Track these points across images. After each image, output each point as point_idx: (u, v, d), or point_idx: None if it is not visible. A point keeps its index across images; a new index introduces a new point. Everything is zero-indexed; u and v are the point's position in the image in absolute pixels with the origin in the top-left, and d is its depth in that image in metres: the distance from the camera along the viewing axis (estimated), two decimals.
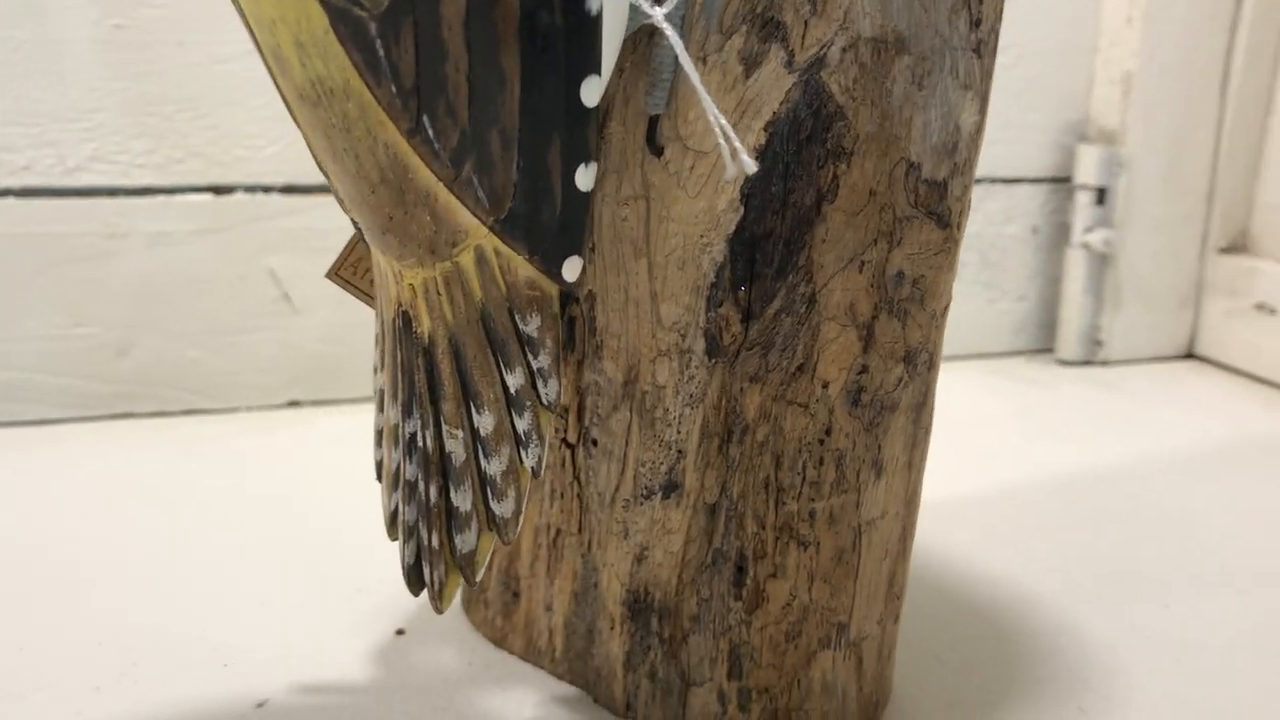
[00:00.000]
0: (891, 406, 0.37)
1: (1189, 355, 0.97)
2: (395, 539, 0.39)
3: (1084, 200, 0.90)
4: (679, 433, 0.37)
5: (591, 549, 0.40)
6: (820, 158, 0.33)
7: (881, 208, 0.35)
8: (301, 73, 0.30)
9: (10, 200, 0.68)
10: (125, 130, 0.70)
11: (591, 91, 0.30)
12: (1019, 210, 0.93)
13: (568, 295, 0.34)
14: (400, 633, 0.48)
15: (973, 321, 0.94)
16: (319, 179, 0.73)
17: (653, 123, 0.34)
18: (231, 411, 0.76)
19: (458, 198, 0.31)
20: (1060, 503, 0.65)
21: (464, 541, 0.35)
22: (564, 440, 0.40)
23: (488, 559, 0.36)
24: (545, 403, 0.34)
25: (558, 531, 0.42)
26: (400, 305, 0.35)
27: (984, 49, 0.35)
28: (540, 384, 0.34)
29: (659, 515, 0.38)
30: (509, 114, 0.29)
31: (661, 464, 0.37)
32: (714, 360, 0.36)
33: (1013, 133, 0.91)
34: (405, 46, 0.28)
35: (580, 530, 0.41)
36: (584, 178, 0.32)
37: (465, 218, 0.32)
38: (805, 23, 0.32)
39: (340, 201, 0.35)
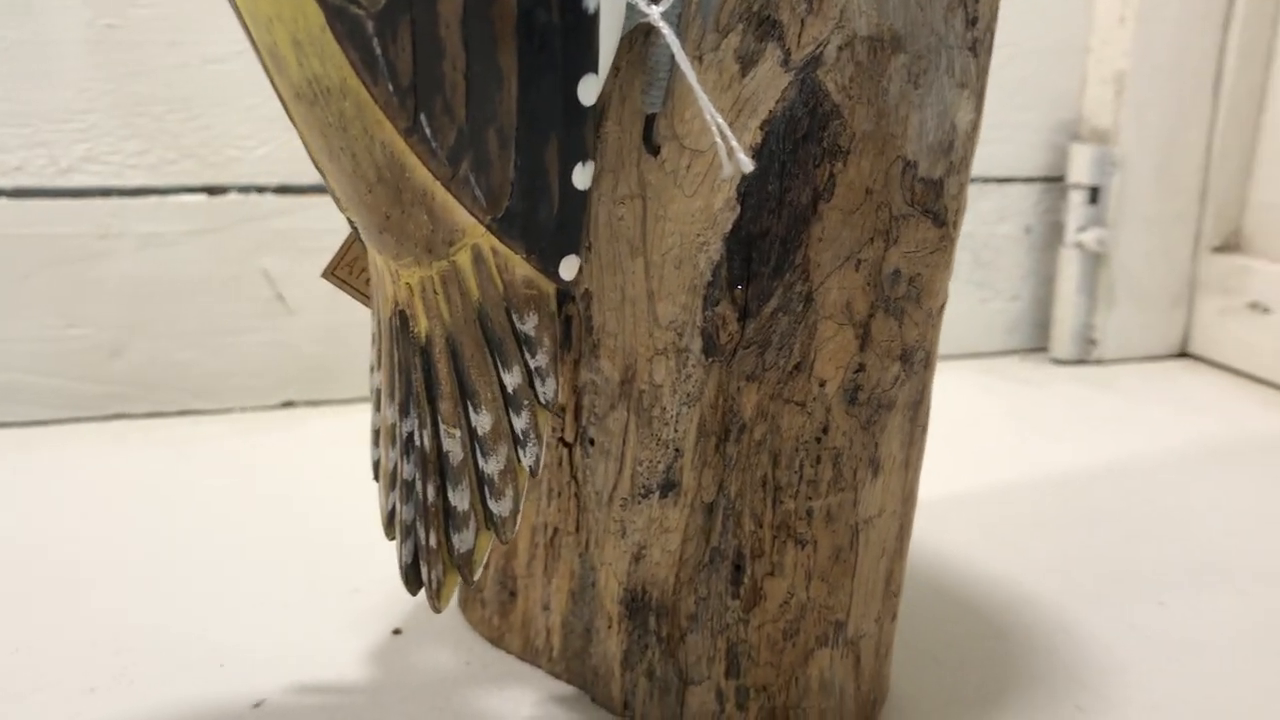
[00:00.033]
0: (888, 405, 0.37)
1: (1182, 354, 0.97)
2: (393, 538, 0.39)
3: (1077, 199, 0.91)
4: (676, 432, 0.37)
5: (589, 548, 0.40)
6: (817, 156, 0.33)
7: (878, 206, 0.35)
8: (298, 71, 0.30)
9: (2, 201, 0.68)
10: (118, 131, 0.70)
11: (589, 90, 0.30)
12: (1012, 209, 0.93)
13: (564, 294, 0.34)
14: (397, 632, 0.48)
15: (966, 321, 0.94)
16: (312, 179, 0.73)
17: (649, 121, 0.34)
18: (225, 412, 0.75)
19: (455, 196, 0.31)
20: (1056, 501, 0.65)
21: (462, 541, 0.35)
22: (561, 439, 0.40)
23: (485, 558, 0.36)
24: (543, 402, 0.34)
25: (555, 531, 0.42)
26: (397, 304, 0.35)
27: (980, 47, 0.35)
28: (538, 383, 0.34)
29: (656, 514, 0.38)
30: (506, 112, 0.29)
31: (659, 463, 0.37)
32: (711, 359, 0.36)
33: (1006, 132, 0.91)
34: (402, 45, 0.28)
35: (578, 529, 0.41)
36: (581, 176, 0.32)
37: (462, 216, 0.32)
38: (801, 21, 0.32)
39: (337, 201, 0.35)
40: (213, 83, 0.71)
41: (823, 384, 0.36)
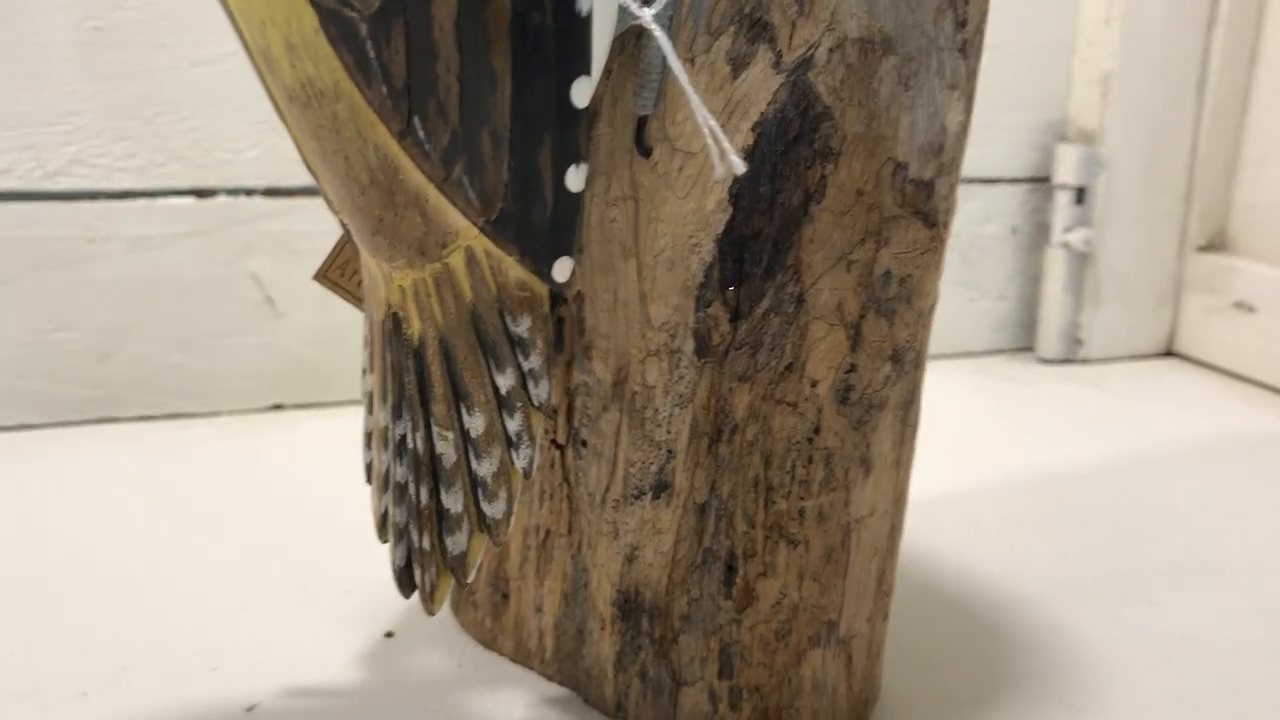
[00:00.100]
0: (880, 405, 0.37)
1: (1168, 353, 0.97)
2: (385, 541, 0.39)
3: (1063, 200, 0.91)
4: (668, 433, 0.37)
5: (581, 550, 0.41)
6: (808, 158, 0.34)
7: (869, 207, 0.35)
8: (291, 74, 0.30)
9: None
10: (106, 133, 0.69)
11: (582, 92, 0.30)
12: (999, 210, 0.94)
13: (557, 296, 0.34)
14: (389, 635, 0.48)
15: (954, 321, 0.94)
16: (301, 182, 0.73)
17: (641, 124, 0.34)
18: (215, 415, 0.75)
19: (448, 199, 0.31)
20: (1044, 500, 0.65)
21: (455, 543, 0.35)
22: (553, 441, 0.40)
23: (479, 560, 0.36)
24: (536, 404, 0.34)
25: (547, 533, 0.42)
26: (390, 307, 0.35)
27: (969, 49, 0.35)
28: (531, 385, 0.34)
29: (649, 515, 0.38)
30: (500, 115, 0.30)
31: (651, 464, 0.37)
32: (703, 360, 0.36)
33: (992, 133, 0.91)
34: (396, 47, 0.28)
35: (570, 531, 0.41)
36: (574, 178, 0.32)
37: (455, 219, 0.32)
38: (793, 23, 0.32)
39: (329, 203, 0.35)
40: (201, 85, 0.70)
41: (814, 384, 0.36)
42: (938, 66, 0.34)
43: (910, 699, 0.44)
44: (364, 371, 0.40)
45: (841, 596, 0.39)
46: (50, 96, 0.68)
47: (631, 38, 0.33)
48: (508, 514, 0.35)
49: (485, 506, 0.35)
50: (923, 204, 0.36)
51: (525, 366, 0.34)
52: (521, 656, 0.45)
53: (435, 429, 0.35)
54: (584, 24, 0.29)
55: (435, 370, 0.34)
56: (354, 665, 0.45)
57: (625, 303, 0.36)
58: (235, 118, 0.71)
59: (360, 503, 0.52)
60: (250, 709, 0.42)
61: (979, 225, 0.93)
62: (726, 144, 0.32)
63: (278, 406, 0.77)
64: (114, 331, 0.72)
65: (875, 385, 0.37)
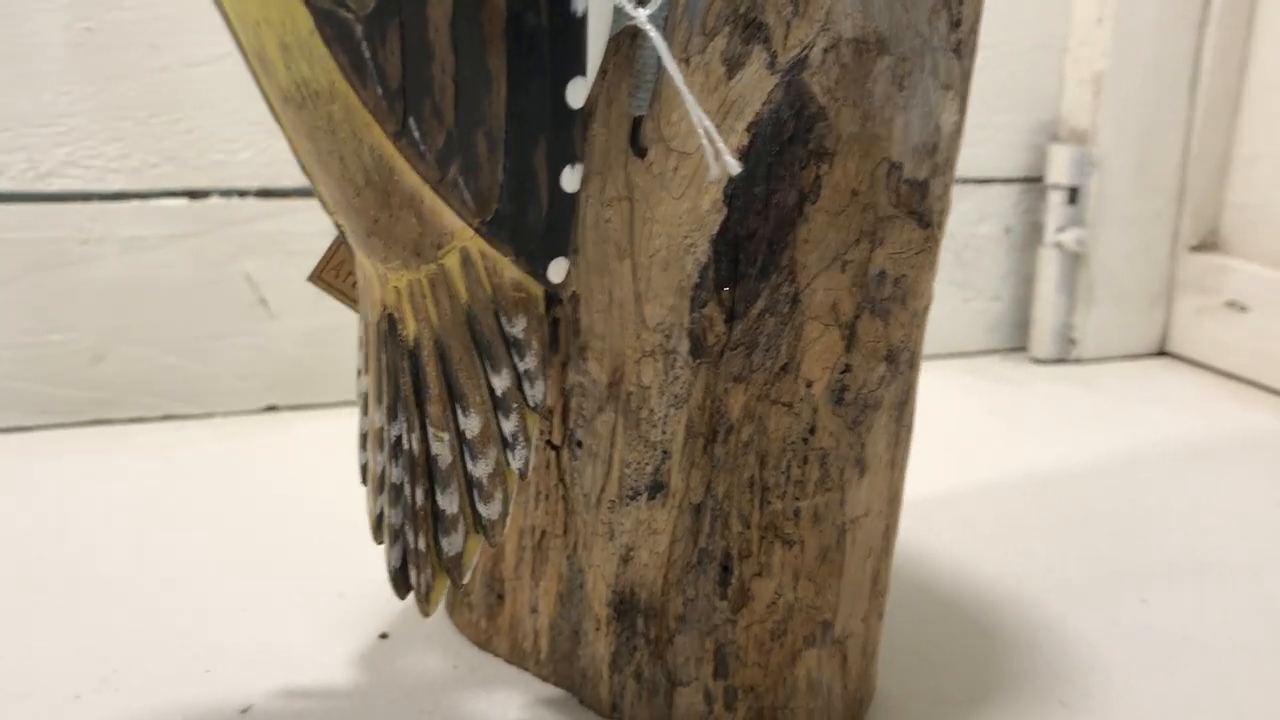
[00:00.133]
0: (874, 405, 0.37)
1: (1161, 353, 0.98)
2: (380, 542, 0.39)
3: (1056, 200, 0.91)
4: (664, 433, 0.37)
5: (577, 550, 0.41)
6: (803, 158, 0.34)
7: (863, 208, 0.35)
8: (286, 75, 0.30)
9: None
10: (98, 134, 0.69)
11: (577, 93, 0.30)
12: (992, 210, 0.94)
13: (552, 297, 0.34)
14: (384, 636, 0.48)
15: (947, 321, 0.94)
16: (295, 183, 0.73)
17: (636, 124, 0.34)
18: (208, 417, 0.75)
19: (444, 200, 0.31)
20: (1038, 500, 0.65)
21: (450, 544, 0.35)
22: (549, 442, 0.40)
23: (475, 561, 0.36)
24: (532, 404, 0.34)
25: (542, 533, 0.42)
26: (385, 308, 0.35)
27: (964, 49, 0.35)
28: (526, 385, 0.34)
29: (644, 516, 0.38)
30: (495, 115, 0.30)
31: (647, 465, 0.37)
32: (698, 360, 0.36)
33: (985, 133, 0.91)
34: (391, 48, 0.28)
35: (565, 532, 0.41)
36: (570, 179, 0.32)
37: (451, 220, 0.32)
38: (787, 24, 0.32)
39: (324, 205, 0.35)
40: (194, 86, 0.70)
41: (809, 385, 0.36)
42: (932, 67, 0.34)
43: (905, 699, 0.44)
44: (359, 373, 0.40)
45: (836, 596, 0.39)
46: (42, 98, 0.68)
47: (626, 38, 0.33)
48: (503, 515, 0.35)
49: (481, 507, 0.35)
50: (917, 204, 0.36)
51: (520, 367, 0.34)
52: (517, 657, 0.45)
53: (430, 430, 0.35)
54: (579, 25, 0.29)
55: (430, 371, 0.34)
56: (349, 666, 0.45)
57: (620, 303, 0.36)
58: (229, 119, 0.71)
59: (355, 504, 0.52)
60: (244, 710, 0.42)
61: (973, 225, 0.93)
62: (721, 144, 0.32)
63: (272, 408, 0.77)
64: (107, 333, 0.72)
65: (870, 385, 0.37)
